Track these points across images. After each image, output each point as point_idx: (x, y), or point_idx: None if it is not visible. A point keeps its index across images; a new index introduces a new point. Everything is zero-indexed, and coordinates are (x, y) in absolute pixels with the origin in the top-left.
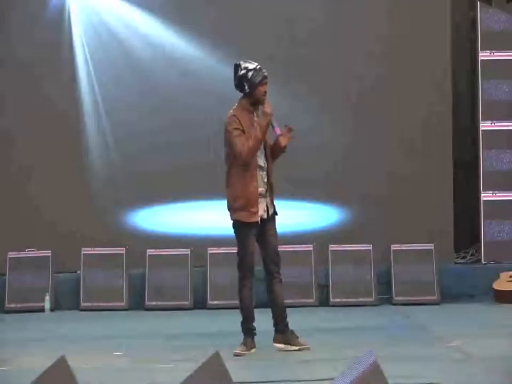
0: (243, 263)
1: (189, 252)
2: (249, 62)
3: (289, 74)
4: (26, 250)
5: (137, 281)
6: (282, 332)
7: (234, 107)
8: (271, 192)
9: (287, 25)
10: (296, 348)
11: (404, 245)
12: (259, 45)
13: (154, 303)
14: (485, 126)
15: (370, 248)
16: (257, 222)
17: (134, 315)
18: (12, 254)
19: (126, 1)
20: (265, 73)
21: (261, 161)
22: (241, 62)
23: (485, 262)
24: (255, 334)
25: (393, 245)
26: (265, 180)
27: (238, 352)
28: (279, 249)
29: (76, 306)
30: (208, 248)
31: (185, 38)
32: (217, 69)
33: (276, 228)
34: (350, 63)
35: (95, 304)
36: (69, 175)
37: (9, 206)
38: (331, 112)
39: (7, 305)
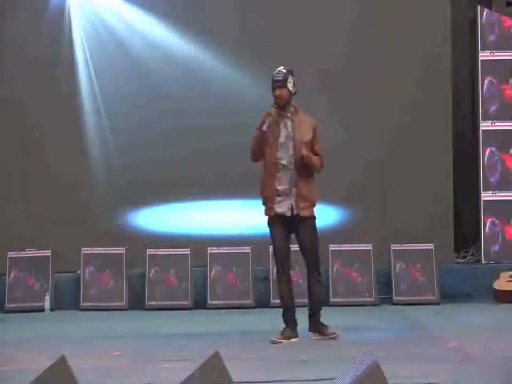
0: (275, 256)
1: (189, 252)
2: (280, 68)
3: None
4: (26, 250)
5: (137, 281)
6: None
7: None
8: (298, 192)
9: (285, 23)
10: (327, 337)
11: (404, 244)
12: (258, 43)
13: (154, 303)
14: (485, 126)
15: (370, 248)
16: (275, 216)
17: (134, 315)
18: (11, 254)
19: (126, 1)
20: (274, 78)
21: (285, 160)
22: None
23: (485, 262)
24: (295, 323)
25: (393, 245)
26: (289, 179)
27: (274, 340)
28: None
29: (75, 306)
30: (208, 248)
31: (185, 36)
32: (217, 68)
33: (307, 231)
34: (350, 62)
35: (95, 304)
36: (68, 175)
37: (10, 206)
38: (331, 112)
39: (7, 305)
